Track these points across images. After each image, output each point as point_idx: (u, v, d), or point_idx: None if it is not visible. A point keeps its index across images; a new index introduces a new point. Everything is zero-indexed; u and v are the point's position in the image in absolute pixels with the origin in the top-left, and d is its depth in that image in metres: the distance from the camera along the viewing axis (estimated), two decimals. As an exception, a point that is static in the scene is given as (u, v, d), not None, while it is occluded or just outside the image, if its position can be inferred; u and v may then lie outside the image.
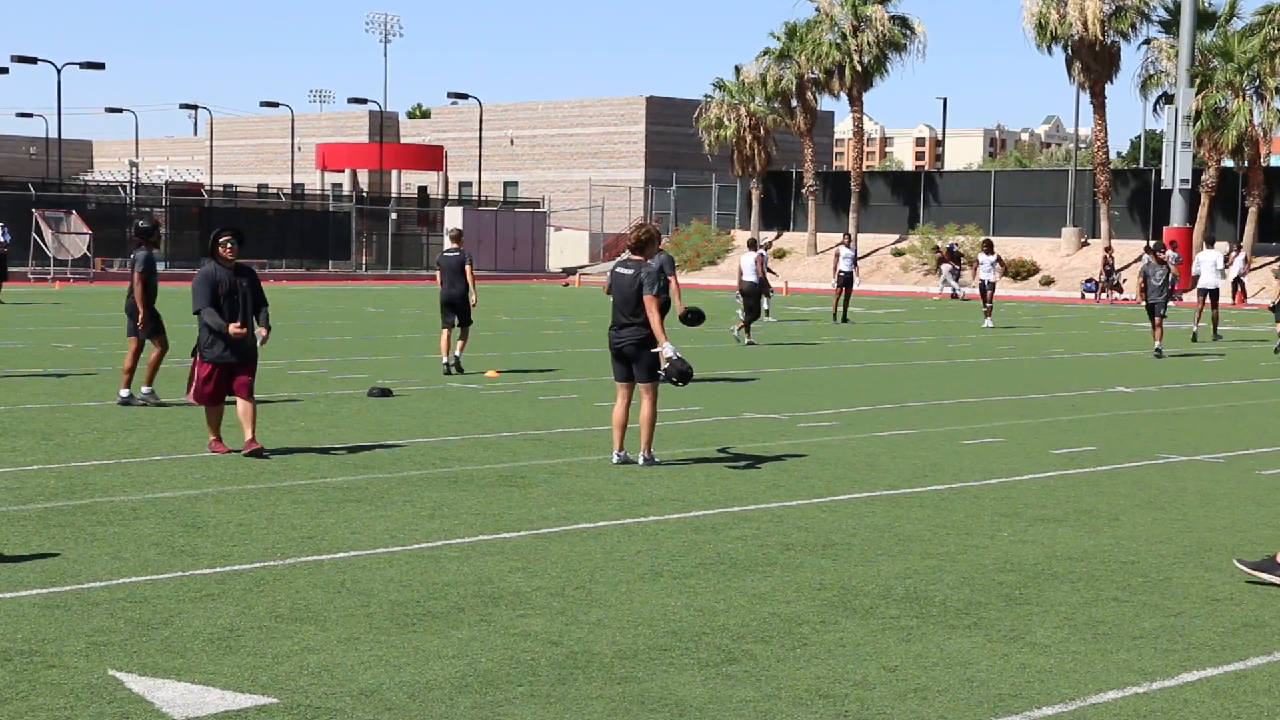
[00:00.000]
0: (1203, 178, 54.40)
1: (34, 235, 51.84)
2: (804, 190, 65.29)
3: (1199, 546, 9.82)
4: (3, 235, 38.46)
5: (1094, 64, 55.67)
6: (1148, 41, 57.06)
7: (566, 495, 11.27)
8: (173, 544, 9.28)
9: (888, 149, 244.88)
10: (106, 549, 9.10)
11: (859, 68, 61.34)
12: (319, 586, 8.24)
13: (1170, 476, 12.78)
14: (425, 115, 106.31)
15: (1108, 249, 53.38)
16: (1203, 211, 54.64)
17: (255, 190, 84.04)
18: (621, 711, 6.21)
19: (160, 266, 59.71)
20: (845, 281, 35.19)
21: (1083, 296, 52.21)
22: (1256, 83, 53.18)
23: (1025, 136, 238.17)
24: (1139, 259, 55.31)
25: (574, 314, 37.40)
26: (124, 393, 16.36)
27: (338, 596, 8.03)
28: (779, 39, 62.95)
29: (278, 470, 12.18)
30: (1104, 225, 56.42)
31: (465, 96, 79.01)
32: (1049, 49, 56.32)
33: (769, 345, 27.08)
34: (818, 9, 62.10)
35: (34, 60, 71.95)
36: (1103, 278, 52.03)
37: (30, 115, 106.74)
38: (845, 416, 16.63)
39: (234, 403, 13.08)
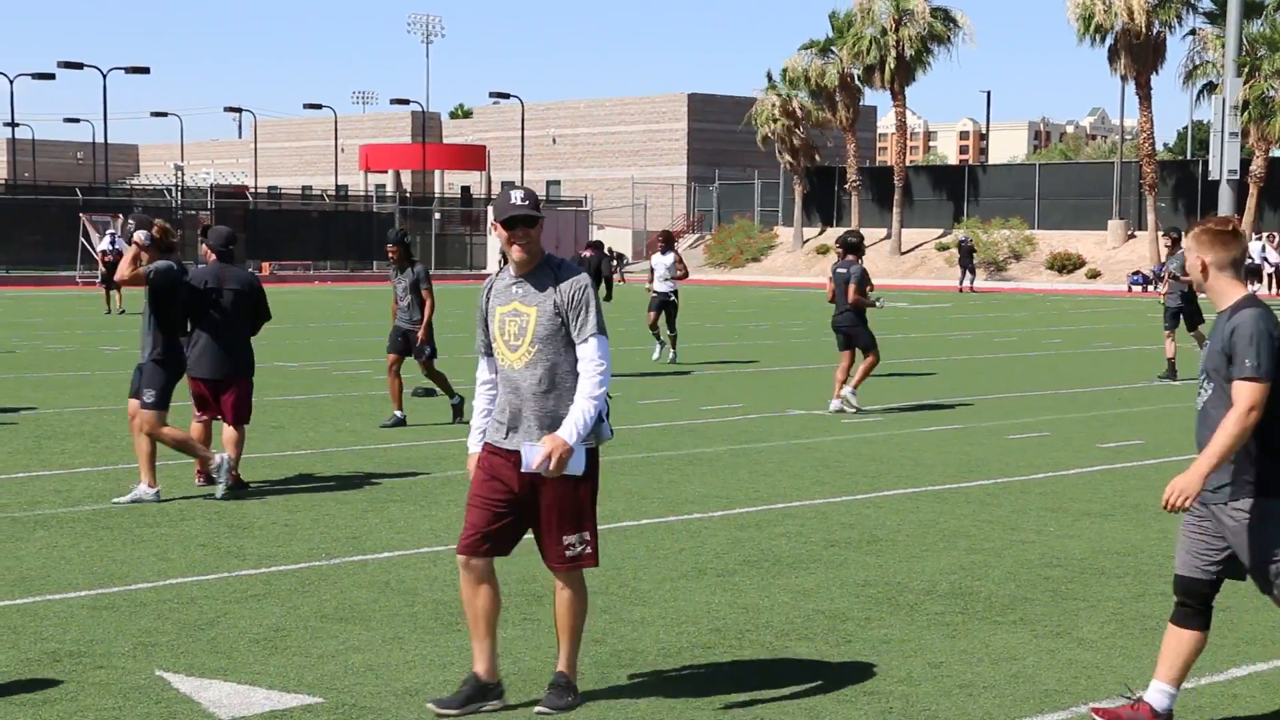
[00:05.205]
0: (1251, 168, 53.91)
1: (81, 240, 52.28)
2: (847, 185, 65.10)
3: (1248, 540, 9.72)
4: (112, 244, 37.61)
5: (1139, 55, 55.23)
6: (1193, 32, 56.60)
7: (610, 493, 11.26)
8: (219, 545, 9.34)
9: (931, 143, 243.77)
10: (154, 550, 9.16)
11: (896, 61, 61.02)
12: (364, 586, 8.27)
13: (1219, 470, 12.65)
14: (467, 115, 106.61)
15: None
16: (1251, 202, 54.15)
17: (299, 192, 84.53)
18: (665, 710, 6.21)
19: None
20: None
21: (1129, 289, 51.82)
22: (1305, 72, 52.64)
23: (1070, 129, 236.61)
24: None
25: (617, 311, 37.36)
26: (834, 404, 16.41)
27: (382, 596, 8.06)
28: (836, 25, 62.58)
29: (322, 471, 12.23)
30: (1150, 217, 55.99)
31: (507, 96, 79.21)
32: (1093, 41, 55.94)
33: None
34: (855, 3, 61.88)
35: (80, 66, 72.59)
36: (1160, 268, 51.73)
37: (77, 120, 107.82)
38: (889, 412, 16.56)
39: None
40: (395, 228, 15.62)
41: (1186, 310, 20.05)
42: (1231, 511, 5.69)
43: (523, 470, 5.97)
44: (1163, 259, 53.03)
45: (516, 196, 6.06)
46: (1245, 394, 5.54)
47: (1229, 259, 5.77)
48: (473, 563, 6.13)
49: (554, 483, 6.03)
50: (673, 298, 22.46)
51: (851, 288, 16.23)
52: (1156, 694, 5.87)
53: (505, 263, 6.20)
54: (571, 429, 5.93)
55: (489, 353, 6.24)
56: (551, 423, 6.01)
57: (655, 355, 22.31)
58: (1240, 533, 5.68)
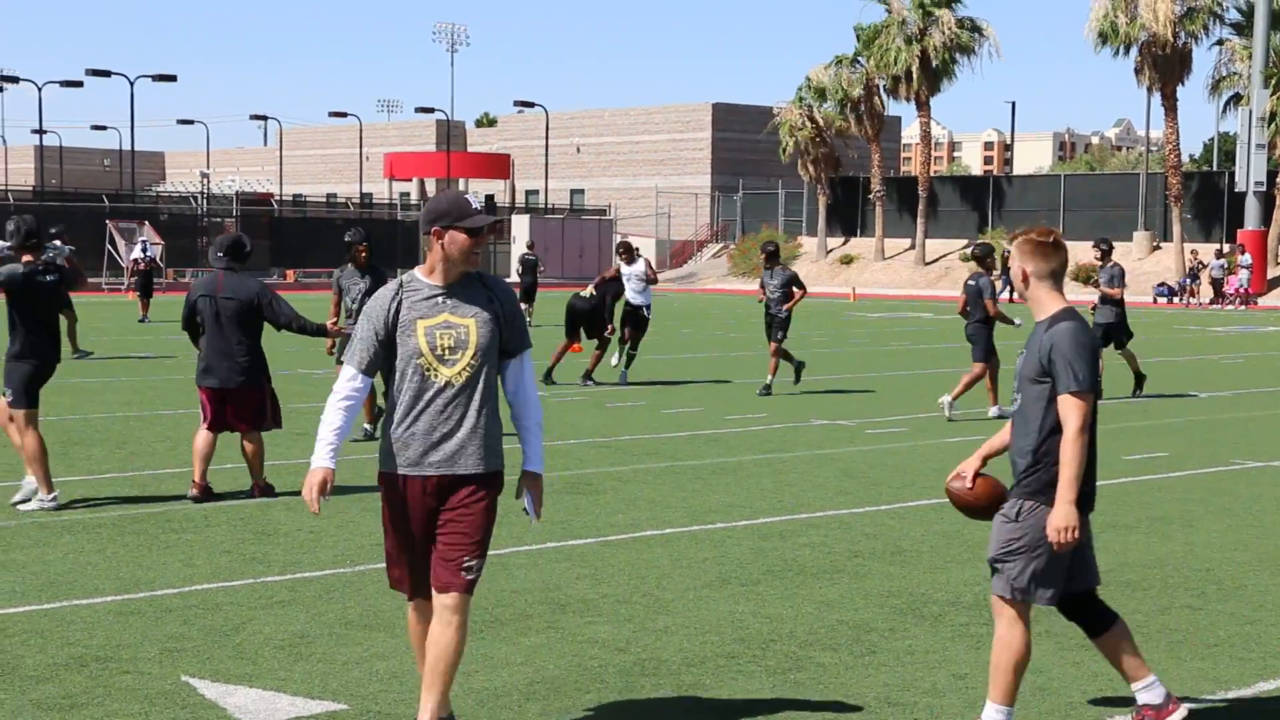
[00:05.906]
0: (1277, 179, 53.71)
1: (108, 246, 52.52)
2: (871, 195, 65.04)
3: (1274, 554, 9.68)
4: (144, 250, 37.19)
5: (1165, 66, 55.04)
6: (1220, 43, 56.42)
7: (634, 502, 11.28)
8: (244, 551, 9.37)
9: (955, 154, 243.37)
10: (179, 556, 9.20)
11: (922, 72, 60.92)
12: (388, 593, 8.28)
13: (1245, 482, 12.61)
14: (492, 124, 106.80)
15: (1194, 252, 53.14)
16: (1278, 214, 53.94)
17: (324, 200, 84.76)
18: (689, 719, 6.20)
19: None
20: None
21: (1154, 301, 51.67)
22: (1332, 83, 52.45)
23: (1096, 140, 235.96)
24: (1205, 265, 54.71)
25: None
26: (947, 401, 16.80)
27: (406, 603, 8.06)
28: (861, 37, 62.44)
29: (346, 477, 12.25)
30: (1176, 229, 55.77)
31: (532, 105, 79.39)
32: (1117, 51, 55.78)
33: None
34: (888, 9, 61.77)
35: (108, 73, 72.94)
36: (1186, 280, 51.93)
37: (104, 128, 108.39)
38: (913, 422, 16.53)
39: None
40: (358, 229, 14.74)
41: (1116, 326, 19.66)
42: (1006, 508, 5.84)
43: (533, 524, 5.62)
44: (1188, 269, 52.75)
45: (475, 203, 5.65)
46: (1075, 410, 5.65)
47: (1048, 270, 5.86)
48: (422, 604, 5.85)
49: (475, 506, 5.64)
50: (644, 312, 20.50)
51: (988, 302, 16.71)
52: (1144, 693, 5.98)
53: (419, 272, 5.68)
54: (540, 461, 5.76)
55: (370, 371, 5.65)
56: (485, 437, 5.63)
57: (614, 361, 20.60)
58: (998, 524, 5.82)
